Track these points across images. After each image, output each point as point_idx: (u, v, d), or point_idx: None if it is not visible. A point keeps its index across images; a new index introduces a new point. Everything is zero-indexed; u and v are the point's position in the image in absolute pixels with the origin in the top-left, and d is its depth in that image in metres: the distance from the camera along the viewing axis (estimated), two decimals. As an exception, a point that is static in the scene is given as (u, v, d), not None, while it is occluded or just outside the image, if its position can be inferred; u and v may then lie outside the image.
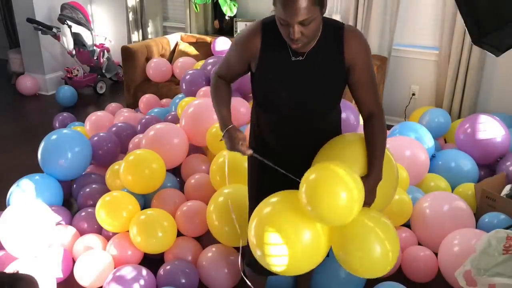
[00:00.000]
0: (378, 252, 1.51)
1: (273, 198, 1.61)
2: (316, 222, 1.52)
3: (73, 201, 3.09)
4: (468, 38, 3.73)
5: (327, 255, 2.02)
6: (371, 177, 1.61)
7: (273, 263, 1.55)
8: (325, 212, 1.46)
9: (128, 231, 2.45)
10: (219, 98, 1.77)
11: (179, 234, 2.53)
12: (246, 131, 2.87)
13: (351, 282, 2.26)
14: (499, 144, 3.11)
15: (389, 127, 3.65)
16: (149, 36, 5.24)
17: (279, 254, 1.51)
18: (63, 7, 5.03)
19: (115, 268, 2.37)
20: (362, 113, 1.74)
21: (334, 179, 1.45)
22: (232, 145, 1.66)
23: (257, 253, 1.58)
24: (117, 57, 5.21)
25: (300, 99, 1.66)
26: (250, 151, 1.66)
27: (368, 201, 1.61)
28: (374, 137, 1.66)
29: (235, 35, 4.75)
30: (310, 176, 1.49)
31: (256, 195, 1.81)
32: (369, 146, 1.66)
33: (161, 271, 2.34)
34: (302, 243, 1.51)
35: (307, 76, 1.63)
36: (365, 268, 1.55)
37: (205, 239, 2.56)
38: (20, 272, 1.33)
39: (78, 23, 5.06)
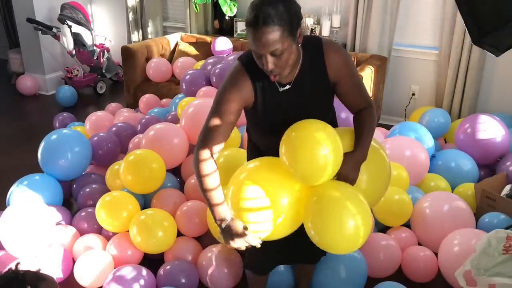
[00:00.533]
0: (348, 226, 1.50)
1: (249, 165, 1.64)
2: (293, 182, 1.55)
3: (73, 201, 3.09)
4: (468, 38, 3.73)
5: (324, 254, 2.03)
6: (356, 153, 1.63)
7: (252, 225, 1.54)
8: (302, 167, 1.50)
9: (128, 231, 2.45)
10: (212, 182, 1.56)
11: (179, 234, 2.53)
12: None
13: (352, 282, 2.26)
14: (499, 144, 3.11)
15: (389, 127, 3.66)
16: (149, 36, 5.24)
17: (258, 216, 1.52)
18: (63, 7, 5.03)
19: (115, 268, 2.37)
20: (351, 111, 1.77)
21: (313, 140, 1.49)
22: (236, 239, 1.50)
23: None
24: (117, 57, 5.21)
25: (296, 121, 1.67)
26: (259, 241, 1.52)
27: (351, 177, 1.62)
28: (363, 121, 1.69)
29: (235, 35, 4.75)
30: (290, 133, 1.54)
31: None
32: (357, 128, 1.69)
33: (161, 271, 2.34)
34: (280, 199, 1.53)
35: (298, 103, 1.65)
36: (335, 243, 1.55)
37: (205, 239, 2.56)
38: (41, 271, 1.31)
39: (78, 23, 5.05)
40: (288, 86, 1.62)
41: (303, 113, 1.65)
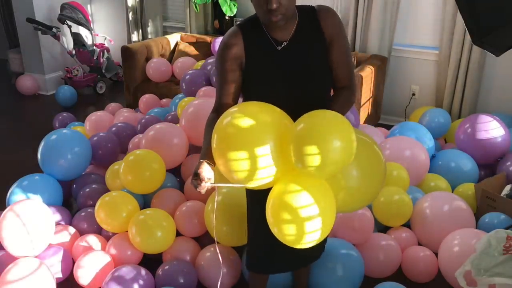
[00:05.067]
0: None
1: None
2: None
3: (73, 201, 3.09)
4: (468, 38, 3.73)
5: (322, 252, 2.02)
6: None
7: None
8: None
9: (127, 231, 2.45)
10: (208, 134, 1.61)
11: (178, 234, 2.53)
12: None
13: (349, 280, 2.27)
14: (499, 144, 3.11)
15: (389, 127, 3.66)
16: (149, 36, 5.25)
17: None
18: (63, 7, 5.04)
19: (114, 268, 2.37)
20: (335, 88, 1.75)
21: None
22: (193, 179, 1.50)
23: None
24: (117, 57, 5.21)
25: (295, 86, 1.65)
26: (204, 187, 1.47)
27: None
28: (339, 96, 1.69)
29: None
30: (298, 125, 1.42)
31: (258, 217, 1.66)
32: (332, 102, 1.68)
33: (159, 271, 2.33)
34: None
35: (296, 61, 1.64)
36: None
37: (204, 239, 2.56)
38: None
39: (78, 23, 5.06)
40: (285, 43, 1.63)
41: (302, 72, 1.64)
